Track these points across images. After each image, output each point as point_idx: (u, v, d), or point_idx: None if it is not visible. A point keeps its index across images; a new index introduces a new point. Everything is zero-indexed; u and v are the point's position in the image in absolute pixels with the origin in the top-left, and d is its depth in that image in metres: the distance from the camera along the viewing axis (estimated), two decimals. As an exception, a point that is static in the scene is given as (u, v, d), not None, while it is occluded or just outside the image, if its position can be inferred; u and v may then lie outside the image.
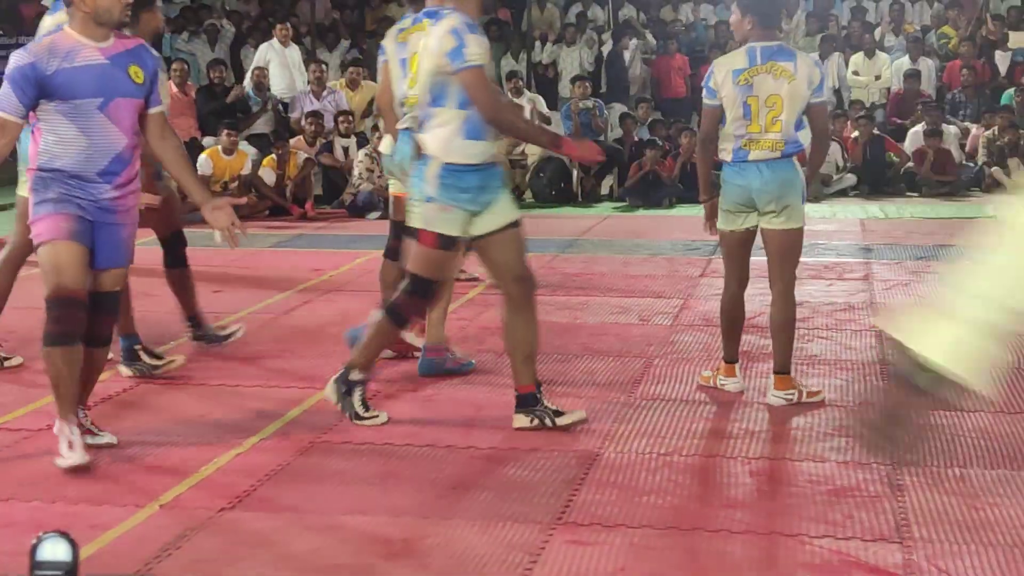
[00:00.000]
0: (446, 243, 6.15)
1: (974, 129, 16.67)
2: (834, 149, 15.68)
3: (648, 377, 7.36)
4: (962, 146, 16.56)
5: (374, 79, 13.54)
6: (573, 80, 17.48)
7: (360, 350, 6.37)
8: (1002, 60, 18.29)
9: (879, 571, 4.69)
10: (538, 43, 19.91)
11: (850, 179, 16.00)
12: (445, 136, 6.05)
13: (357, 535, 5.00)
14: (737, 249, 6.78)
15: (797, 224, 6.66)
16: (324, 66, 17.13)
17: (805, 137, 6.79)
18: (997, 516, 5.18)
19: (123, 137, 5.68)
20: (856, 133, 16.12)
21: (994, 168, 15.89)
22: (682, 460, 5.92)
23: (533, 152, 15.97)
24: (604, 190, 16.19)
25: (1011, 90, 17.22)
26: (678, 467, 5.84)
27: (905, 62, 17.99)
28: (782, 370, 6.75)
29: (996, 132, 16.02)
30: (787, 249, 6.69)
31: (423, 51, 6.21)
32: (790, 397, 6.70)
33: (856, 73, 18.18)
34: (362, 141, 15.75)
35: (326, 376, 6.54)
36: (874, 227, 13.38)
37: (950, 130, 16.41)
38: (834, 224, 13.64)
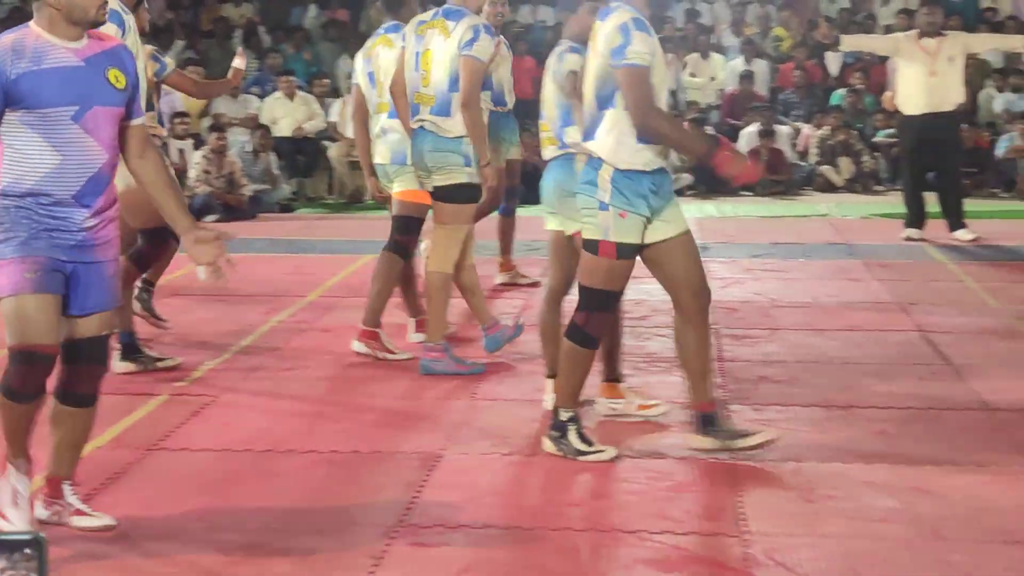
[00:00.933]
0: (626, 252, 5.70)
1: (806, 129, 17.04)
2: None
3: (489, 377, 7.37)
4: (794, 146, 16.91)
5: (212, 78, 13.38)
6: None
7: (560, 389, 5.91)
8: (833, 61, 18.73)
9: (717, 565, 4.76)
10: (377, 44, 19.82)
11: (686, 179, 16.24)
12: (615, 140, 5.62)
13: (197, 543, 4.92)
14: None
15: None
16: (159, 67, 16.82)
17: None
18: (832, 508, 5.29)
19: (102, 152, 4.71)
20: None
21: (825, 167, 16.26)
22: (524, 460, 5.94)
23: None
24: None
25: (842, 91, 17.63)
26: (520, 467, 5.86)
27: (739, 63, 18.31)
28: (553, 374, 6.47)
29: (827, 132, 16.39)
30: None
31: (439, 50, 6.36)
32: (615, 406, 6.56)
33: (692, 75, 18.47)
34: (199, 143, 15.53)
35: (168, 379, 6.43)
36: (711, 226, 13.59)
37: (783, 130, 16.75)
38: (672, 223, 13.82)
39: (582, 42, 6.36)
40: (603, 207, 5.66)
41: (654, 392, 6.97)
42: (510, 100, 9.16)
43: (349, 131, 16.08)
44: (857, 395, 6.95)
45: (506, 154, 9.25)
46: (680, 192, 16.07)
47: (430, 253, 7.57)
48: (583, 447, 5.83)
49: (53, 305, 4.65)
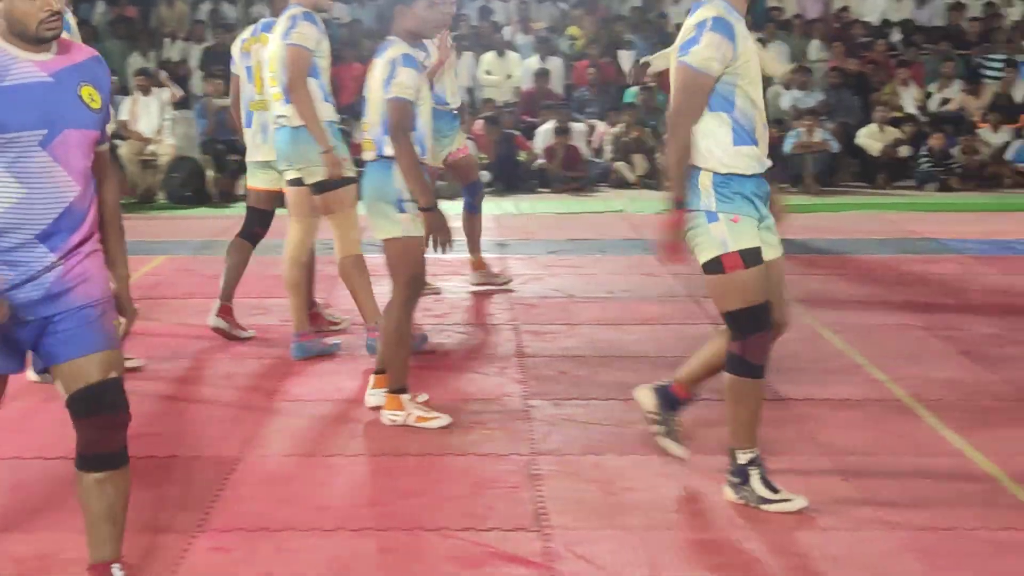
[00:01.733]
0: (752, 257, 5.17)
1: (600, 126, 17.25)
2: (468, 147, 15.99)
3: (290, 378, 7.28)
4: (589, 143, 17.11)
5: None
6: (206, 78, 17.16)
7: (733, 429, 5.31)
8: (626, 60, 19.00)
9: (519, 560, 4.78)
10: (168, 40, 19.46)
11: (484, 176, 16.30)
12: (710, 144, 5.13)
13: (-16, 556, 4.76)
14: None
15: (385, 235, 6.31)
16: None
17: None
18: (632, 500, 5.36)
19: (73, 184, 4.01)
20: (487, 131, 16.43)
21: (619, 164, 16.49)
22: (324, 461, 5.89)
23: (165, 152, 15.61)
24: (240, 190, 15.95)
25: (635, 88, 17.89)
26: (320, 467, 5.80)
27: (535, 61, 18.45)
28: (380, 370, 6.48)
29: (622, 129, 16.62)
30: (387, 260, 6.40)
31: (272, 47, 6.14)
32: (395, 418, 6.37)
33: (488, 72, 18.54)
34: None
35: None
36: (508, 223, 13.66)
37: (578, 128, 16.93)
38: (470, 220, 13.85)
39: (417, 39, 6.42)
40: (712, 217, 5.14)
41: (453, 390, 6.99)
42: (452, 100, 9.29)
43: (142, 127, 15.82)
44: (654, 388, 7.05)
45: (444, 151, 9.28)
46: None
47: (335, 244, 7.61)
48: (768, 494, 5.25)
49: None
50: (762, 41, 18.81)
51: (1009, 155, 16.49)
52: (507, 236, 12.52)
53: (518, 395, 6.92)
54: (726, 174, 5.12)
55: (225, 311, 8.15)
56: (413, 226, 6.23)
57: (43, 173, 3.96)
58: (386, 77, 6.23)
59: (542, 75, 18.04)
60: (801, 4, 20.23)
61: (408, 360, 6.40)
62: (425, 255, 6.33)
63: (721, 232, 5.14)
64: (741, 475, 5.29)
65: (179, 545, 4.85)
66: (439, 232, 6.19)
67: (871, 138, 16.67)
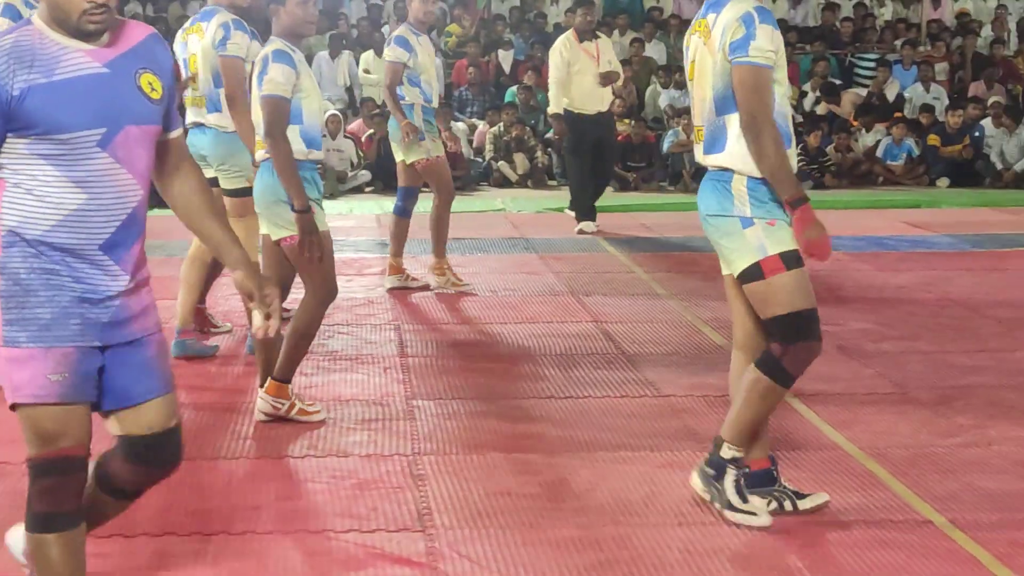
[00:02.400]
0: (792, 260, 4.90)
1: (481, 125, 17.27)
2: (348, 146, 15.97)
3: (182, 377, 7.16)
4: (471, 142, 17.12)
5: None
6: None
7: (734, 422, 5.05)
8: (505, 59, 19.04)
9: (403, 561, 4.77)
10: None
11: (364, 176, 16.24)
12: (745, 147, 4.87)
13: None
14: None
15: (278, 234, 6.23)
16: None
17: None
18: (515, 499, 5.37)
19: (137, 187, 3.63)
20: (371, 131, 16.37)
21: (500, 163, 16.52)
22: (206, 463, 5.82)
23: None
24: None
25: (514, 87, 17.94)
26: (201, 471, 5.73)
27: (414, 60, 18.39)
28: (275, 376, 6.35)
29: (502, 128, 16.65)
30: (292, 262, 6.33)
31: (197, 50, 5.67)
32: (278, 405, 6.33)
33: (367, 71, 18.45)
34: None
35: None
36: (389, 222, 13.59)
37: (459, 127, 16.93)
38: (352, 220, 13.79)
39: (296, 36, 6.34)
40: (747, 223, 4.91)
41: (336, 391, 6.96)
42: (435, 98, 9.53)
43: None
44: (537, 385, 7.08)
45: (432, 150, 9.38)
46: (359, 189, 16.08)
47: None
48: (736, 501, 5.04)
49: (84, 416, 3.63)
50: (641, 41, 18.98)
51: (881, 153, 16.80)
52: (388, 236, 12.45)
53: (400, 395, 6.90)
54: (762, 179, 4.88)
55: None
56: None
57: (104, 176, 3.55)
58: (258, 73, 6.18)
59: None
60: (678, 4, 20.42)
61: (301, 359, 6.39)
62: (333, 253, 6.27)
63: (758, 237, 4.89)
64: (718, 469, 5.07)
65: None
66: (308, 235, 6.09)
67: (748, 136, 16.85)
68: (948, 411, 6.61)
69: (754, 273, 4.92)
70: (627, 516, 5.18)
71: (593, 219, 12.62)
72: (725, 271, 5.12)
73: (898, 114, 17.49)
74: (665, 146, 16.30)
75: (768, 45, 4.81)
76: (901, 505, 5.31)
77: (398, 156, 9.70)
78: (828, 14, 20.50)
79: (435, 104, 9.60)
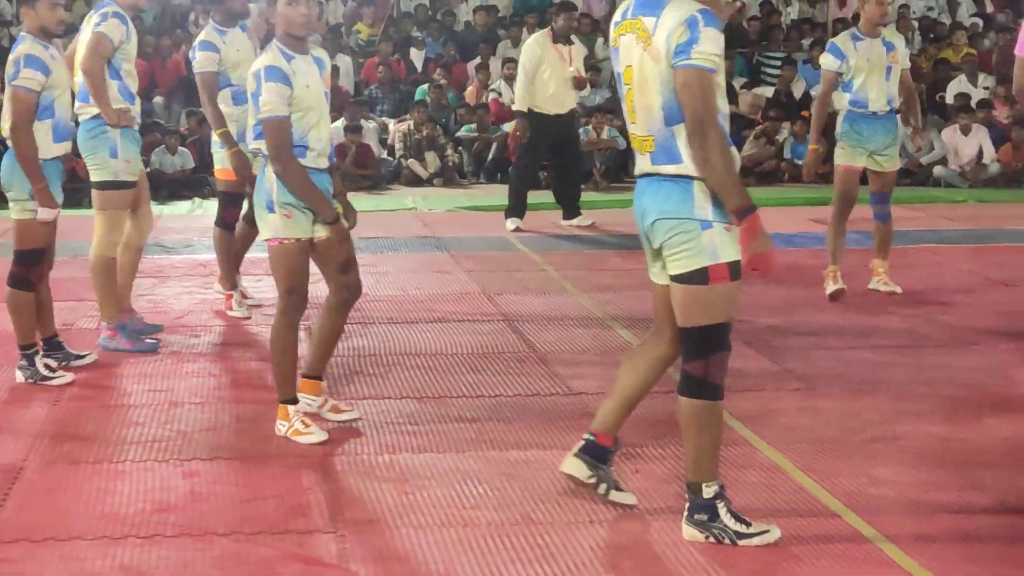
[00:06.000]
0: (737, 271, 4.81)
1: (392, 124, 17.22)
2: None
3: (76, 382, 7.09)
4: (382, 141, 17.06)
5: None
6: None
7: (695, 460, 4.89)
8: (417, 57, 19.00)
9: (314, 562, 4.75)
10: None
11: (275, 175, 16.13)
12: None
13: None
14: None
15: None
16: None
17: None
18: (426, 499, 5.36)
19: None
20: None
21: (411, 161, 16.48)
22: (112, 467, 5.76)
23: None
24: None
25: (425, 86, 17.91)
26: (108, 474, 5.67)
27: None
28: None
29: (412, 127, 16.62)
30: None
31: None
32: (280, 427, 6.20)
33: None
34: None
35: None
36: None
37: (369, 125, 16.87)
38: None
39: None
40: (706, 225, 4.76)
41: (244, 393, 6.90)
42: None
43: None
44: (449, 386, 7.07)
45: None
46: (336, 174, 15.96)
47: (93, 240, 7.73)
48: (742, 528, 4.88)
49: None
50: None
51: (787, 151, 16.96)
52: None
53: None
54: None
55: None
56: (284, 228, 6.01)
57: None
58: (252, 93, 6.00)
59: (332, 72, 17.88)
60: (588, 3, 20.49)
61: (293, 371, 6.19)
62: (306, 263, 6.14)
63: (714, 241, 4.76)
64: (708, 511, 4.89)
65: (-40, 559, 4.69)
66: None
67: (657, 135, 16.96)
68: (856, 406, 6.69)
69: (699, 277, 4.79)
70: (539, 514, 5.19)
71: (523, 216, 12.70)
72: (656, 275, 5.04)
73: (804, 113, 17.66)
74: (576, 144, 16.35)
75: (714, 49, 4.70)
76: (808, 499, 5.37)
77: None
78: (735, 13, 20.65)
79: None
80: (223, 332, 8.36)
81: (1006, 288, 9.86)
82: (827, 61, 9.29)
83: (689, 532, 4.93)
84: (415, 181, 16.36)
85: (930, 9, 21.66)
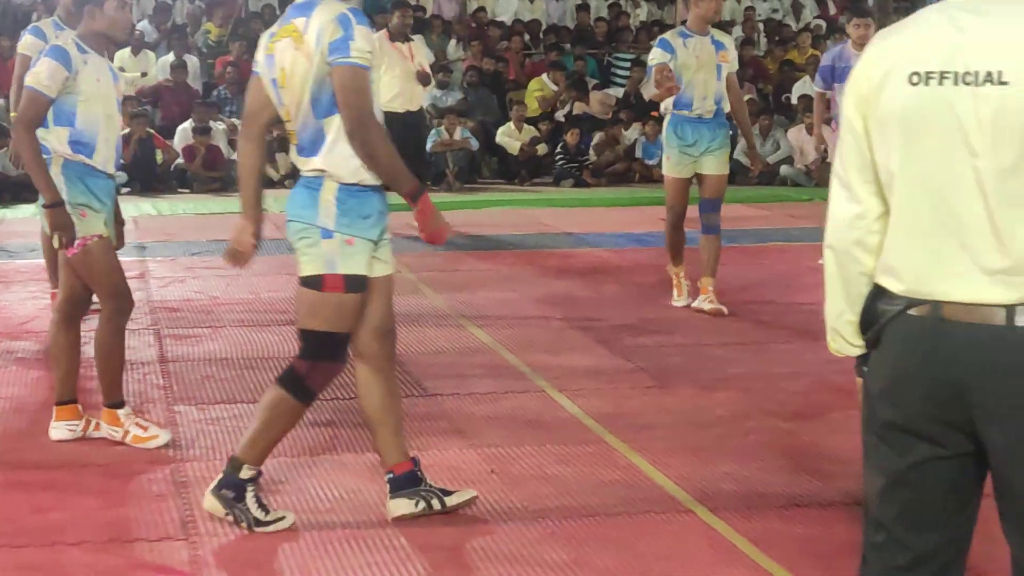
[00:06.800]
0: (356, 284, 4.92)
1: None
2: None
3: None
4: (232, 143, 16.84)
5: None
6: None
7: (254, 441, 4.96)
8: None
9: (165, 570, 4.68)
10: None
11: (121, 176, 15.85)
12: (344, 150, 4.88)
13: None
14: None
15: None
16: None
17: None
18: (281, 503, 5.29)
19: None
20: (127, 130, 16.00)
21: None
22: (16, 476, 5.62)
23: None
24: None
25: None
26: (7, 485, 5.53)
27: (170, 58, 18.03)
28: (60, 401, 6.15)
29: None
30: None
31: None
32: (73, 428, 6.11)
33: (122, 69, 18.02)
34: None
35: None
36: (147, 224, 13.35)
37: (218, 127, 16.68)
38: (107, 223, 13.47)
39: (107, 43, 6.16)
40: (326, 234, 4.89)
41: (93, 398, 6.78)
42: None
43: None
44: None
45: None
46: (116, 190, 15.69)
47: None
48: (262, 515, 4.97)
49: None
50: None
51: (638, 152, 17.14)
52: (146, 238, 12.22)
53: (161, 401, 6.76)
54: (352, 185, 4.90)
55: None
56: (86, 228, 5.90)
57: None
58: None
59: (178, 71, 17.63)
60: (438, 4, 20.50)
61: (120, 375, 6.10)
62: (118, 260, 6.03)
63: (332, 250, 4.89)
64: (237, 490, 4.97)
65: None
66: (62, 231, 5.85)
67: (509, 136, 17.05)
68: (707, 402, 6.78)
69: (314, 283, 4.92)
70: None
71: None
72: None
73: (654, 113, 17.86)
74: (428, 145, 16.33)
75: (367, 46, 4.80)
76: (663, 496, 5.42)
77: None
78: (583, 15, 20.82)
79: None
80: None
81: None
82: (655, 55, 9.00)
83: (211, 503, 5.00)
84: (267, 183, 16.18)
85: (775, 11, 22.06)
